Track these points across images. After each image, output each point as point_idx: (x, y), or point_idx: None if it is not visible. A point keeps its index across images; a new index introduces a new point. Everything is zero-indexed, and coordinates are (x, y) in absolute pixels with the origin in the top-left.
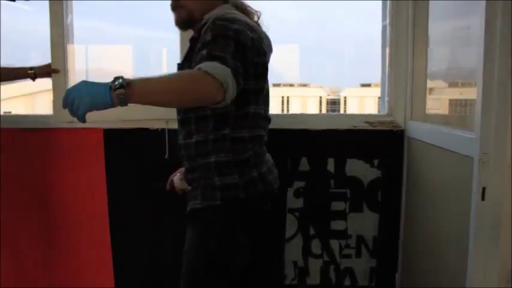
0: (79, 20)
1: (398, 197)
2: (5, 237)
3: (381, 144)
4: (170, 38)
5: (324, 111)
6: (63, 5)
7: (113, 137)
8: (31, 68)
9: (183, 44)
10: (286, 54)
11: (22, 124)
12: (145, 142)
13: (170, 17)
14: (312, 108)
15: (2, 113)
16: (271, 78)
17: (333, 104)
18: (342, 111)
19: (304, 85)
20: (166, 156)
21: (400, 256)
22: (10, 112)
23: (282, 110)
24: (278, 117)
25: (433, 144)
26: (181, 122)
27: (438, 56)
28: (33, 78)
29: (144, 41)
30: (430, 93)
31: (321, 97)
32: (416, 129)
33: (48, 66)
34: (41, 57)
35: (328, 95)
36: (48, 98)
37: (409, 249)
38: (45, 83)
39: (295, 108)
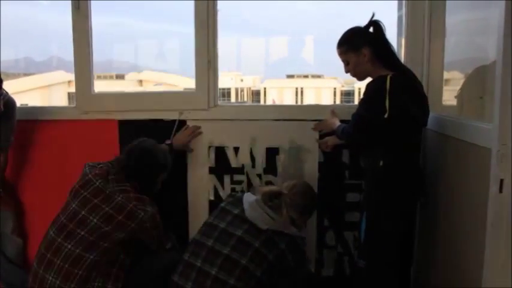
0: (102, 15)
1: None
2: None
3: None
4: (185, 31)
5: (338, 102)
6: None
7: (128, 128)
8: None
9: (198, 38)
10: (301, 45)
11: (40, 116)
12: (160, 132)
13: (185, 11)
14: (326, 99)
15: (19, 105)
16: (286, 69)
17: (347, 95)
18: (356, 102)
19: (318, 76)
20: (167, 142)
21: (416, 248)
22: (27, 104)
23: (296, 101)
24: (292, 108)
25: (450, 136)
26: None
27: (455, 46)
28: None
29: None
30: (446, 84)
31: (335, 88)
32: (432, 120)
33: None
34: (58, 49)
35: (342, 86)
36: (63, 90)
37: (425, 241)
38: (60, 75)
39: (309, 99)
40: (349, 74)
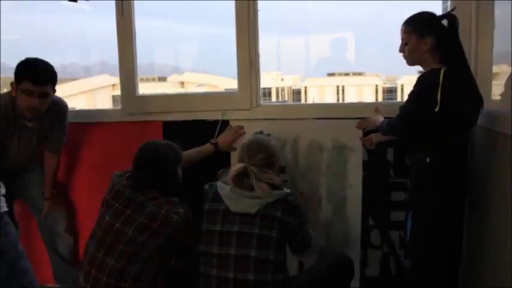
0: (143, 19)
1: None
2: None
3: None
4: (225, 33)
5: (380, 99)
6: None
7: (172, 129)
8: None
9: (239, 39)
10: (341, 43)
11: (87, 118)
12: (203, 133)
13: (225, 12)
14: (368, 97)
15: None
16: (327, 67)
17: (390, 92)
18: (399, 100)
19: (360, 74)
20: (212, 141)
21: (464, 248)
22: (74, 108)
23: (337, 99)
24: (335, 107)
25: (500, 132)
26: None
27: (504, 38)
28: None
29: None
30: (495, 79)
31: (377, 85)
32: (481, 116)
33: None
34: (99, 54)
35: (384, 83)
36: (108, 93)
37: (474, 242)
38: (105, 79)
39: (350, 98)
40: (392, 72)
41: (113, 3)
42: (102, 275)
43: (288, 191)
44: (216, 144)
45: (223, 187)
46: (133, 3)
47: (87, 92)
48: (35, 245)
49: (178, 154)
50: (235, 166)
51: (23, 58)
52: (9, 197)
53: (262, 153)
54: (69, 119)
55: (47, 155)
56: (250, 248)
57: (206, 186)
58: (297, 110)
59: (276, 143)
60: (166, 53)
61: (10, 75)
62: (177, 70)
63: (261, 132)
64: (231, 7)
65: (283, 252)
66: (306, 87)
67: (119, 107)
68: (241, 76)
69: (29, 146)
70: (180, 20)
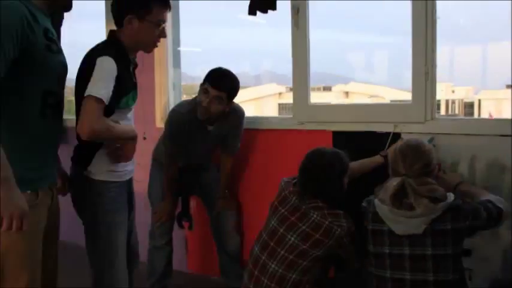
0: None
1: None
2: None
3: None
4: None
5: None
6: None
7: (341, 139)
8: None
9: (416, 48)
10: None
11: (259, 125)
12: (372, 145)
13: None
14: None
15: None
16: (506, 78)
17: None
18: None
19: None
20: (382, 154)
21: None
22: None
23: None
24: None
25: None
26: None
27: None
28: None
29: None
30: None
31: None
32: None
33: None
34: (269, 64)
35: None
36: (274, 101)
37: None
38: (272, 88)
39: None
40: None
41: (287, 16)
42: (264, 277)
43: (452, 197)
44: (386, 157)
45: (382, 206)
46: (308, 16)
47: (255, 100)
48: (205, 240)
49: (344, 164)
50: (393, 183)
51: (202, 67)
52: (187, 193)
53: (420, 162)
54: (244, 125)
55: (223, 158)
56: (426, 272)
57: (364, 204)
58: (475, 125)
59: (430, 146)
60: (330, 63)
61: (190, 82)
62: (342, 80)
63: (431, 139)
64: (402, 15)
65: (459, 271)
66: (479, 100)
67: (286, 115)
68: (416, 87)
69: (209, 148)
70: (347, 29)
